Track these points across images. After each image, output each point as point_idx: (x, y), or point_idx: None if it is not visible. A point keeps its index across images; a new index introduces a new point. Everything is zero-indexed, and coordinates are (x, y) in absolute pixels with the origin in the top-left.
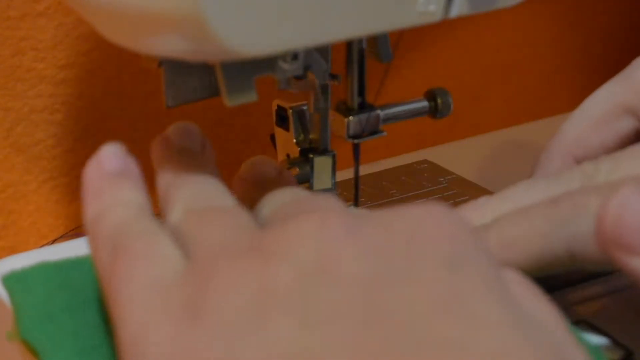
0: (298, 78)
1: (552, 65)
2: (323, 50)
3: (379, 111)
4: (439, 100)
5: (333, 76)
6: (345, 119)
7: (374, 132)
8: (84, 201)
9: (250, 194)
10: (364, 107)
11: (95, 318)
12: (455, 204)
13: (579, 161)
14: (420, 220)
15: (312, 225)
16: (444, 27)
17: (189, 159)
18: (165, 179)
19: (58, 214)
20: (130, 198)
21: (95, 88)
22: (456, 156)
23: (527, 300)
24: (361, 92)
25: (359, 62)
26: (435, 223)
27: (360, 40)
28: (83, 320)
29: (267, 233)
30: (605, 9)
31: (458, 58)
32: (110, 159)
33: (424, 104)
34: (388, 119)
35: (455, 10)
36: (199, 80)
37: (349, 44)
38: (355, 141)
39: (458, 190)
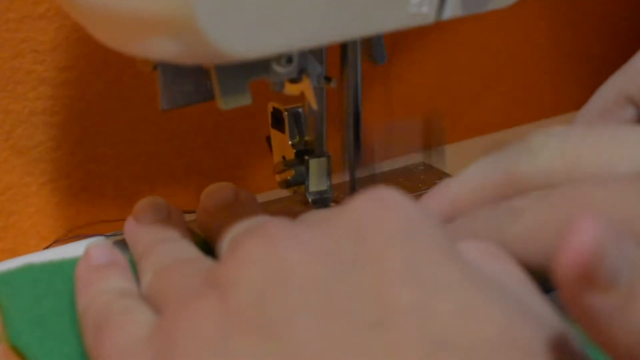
0: (293, 81)
1: (551, 66)
2: (317, 53)
3: (375, 172)
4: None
5: (328, 79)
6: None
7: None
8: (76, 294)
9: (215, 223)
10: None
11: None
12: None
13: None
14: (363, 208)
15: (257, 244)
16: (443, 29)
17: (156, 229)
18: (137, 253)
19: (58, 216)
20: (112, 285)
21: (95, 90)
22: (453, 158)
23: (486, 263)
24: (357, 149)
25: (353, 65)
26: (378, 207)
27: (354, 43)
28: (71, 324)
29: (220, 266)
30: (605, 9)
31: (457, 60)
32: (96, 254)
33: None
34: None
35: (448, 12)
36: (194, 83)
37: (343, 47)
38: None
39: None
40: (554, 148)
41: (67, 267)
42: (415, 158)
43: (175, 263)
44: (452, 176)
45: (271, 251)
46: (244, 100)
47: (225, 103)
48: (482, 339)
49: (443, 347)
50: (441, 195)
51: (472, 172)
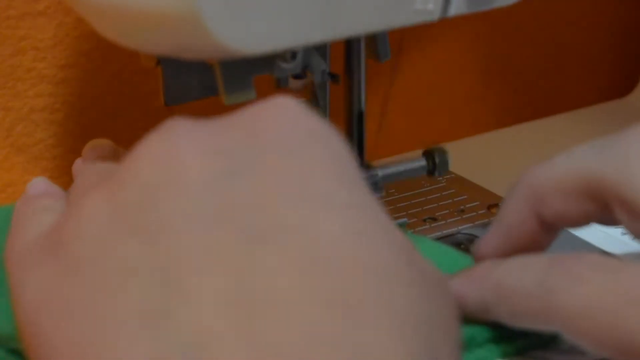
0: (297, 77)
1: (552, 65)
2: (321, 49)
3: (377, 171)
4: (436, 160)
5: (332, 75)
6: None
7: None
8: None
9: None
10: (361, 166)
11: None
12: (454, 203)
13: None
14: (260, 113)
15: (157, 139)
16: (444, 26)
17: (98, 163)
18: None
19: None
20: (41, 204)
21: (95, 88)
22: (455, 156)
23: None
24: (360, 148)
25: (357, 63)
26: (275, 113)
27: (358, 39)
28: None
29: (121, 162)
30: (605, 8)
31: (458, 57)
32: (33, 186)
33: (422, 163)
34: (386, 179)
35: (454, 9)
36: (198, 79)
37: (347, 43)
38: None
39: (456, 190)
40: None
41: None
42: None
43: (97, 166)
44: (454, 174)
45: (167, 146)
46: (248, 95)
47: (229, 99)
48: (370, 263)
49: (322, 266)
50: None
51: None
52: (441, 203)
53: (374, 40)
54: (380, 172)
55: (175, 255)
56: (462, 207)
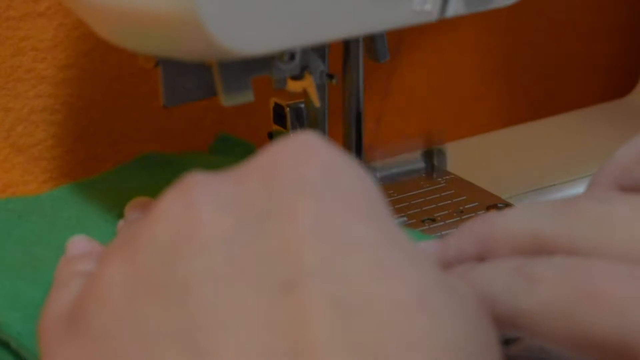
0: (295, 78)
1: (552, 65)
2: (320, 50)
3: (375, 174)
4: (435, 161)
5: (330, 76)
6: None
7: None
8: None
9: None
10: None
11: None
12: (453, 204)
13: (626, 191)
14: (280, 152)
15: (172, 197)
16: (444, 27)
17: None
18: None
19: None
20: (78, 269)
21: (95, 88)
22: (455, 156)
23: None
24: (359, 149)
25: (356, 63)
26: (296, 151)
27: (357, 40)
28: None
29: (139, 221)
30: (606, 8)
31: (457, 58)
32: (72, 246)
33: (420, 165)
34: (384, 179)
35: (452, 10)
36: (196, 80)
37: (346, 44)
38: None
39: (456, 190)
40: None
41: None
42: (416, 156)
43: (128, 227)
44: (453, 174)
45: (182, 203)
46: (246, 97)
47: (227, 100)
48: (392, 301)
49: (349, 312)
50: (480, 228)
51: (513, 217)
52: (440, 204)
53: (372, 40)
54: (379, 174)
55: (198, 316)
56: (461, 207)
